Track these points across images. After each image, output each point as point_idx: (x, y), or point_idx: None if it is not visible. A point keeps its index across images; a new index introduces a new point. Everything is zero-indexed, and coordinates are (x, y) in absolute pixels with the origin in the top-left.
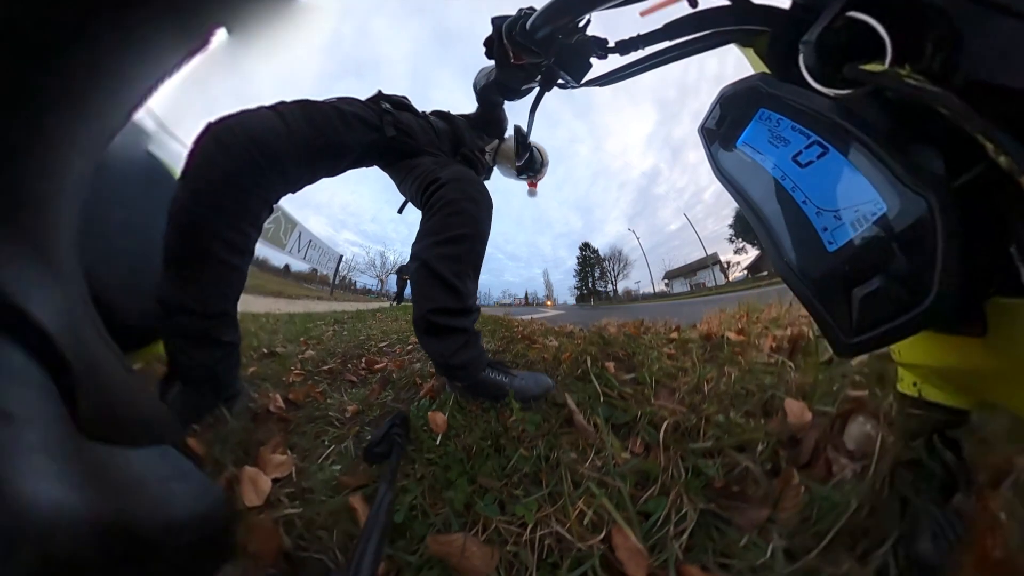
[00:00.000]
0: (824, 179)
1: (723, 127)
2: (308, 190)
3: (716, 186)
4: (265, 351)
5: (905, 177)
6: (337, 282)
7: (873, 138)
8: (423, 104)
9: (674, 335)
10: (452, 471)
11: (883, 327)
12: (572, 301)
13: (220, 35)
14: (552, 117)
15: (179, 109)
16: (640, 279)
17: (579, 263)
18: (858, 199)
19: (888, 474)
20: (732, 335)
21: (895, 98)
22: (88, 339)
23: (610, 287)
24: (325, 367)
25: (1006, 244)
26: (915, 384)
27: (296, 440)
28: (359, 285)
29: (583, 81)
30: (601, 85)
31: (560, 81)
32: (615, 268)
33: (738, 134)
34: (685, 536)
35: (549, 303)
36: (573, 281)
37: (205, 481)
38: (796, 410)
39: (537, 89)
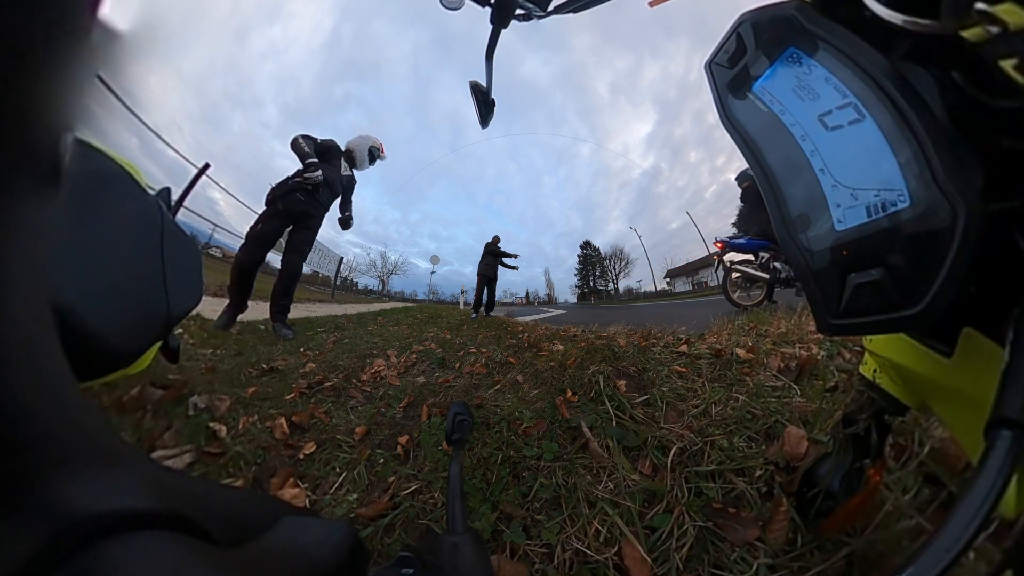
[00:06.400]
0: (850, 150)
1: (738, 65)
2: None
3: (717, 185)
4: (265, 367)
5: (942, 179)
6: (338, 283)
7: (923, 122)
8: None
9: (683, 348)
10: (474, 499)
11: (867, 318)
12: (573, 299)
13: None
14: (555, 116)
15: (175, 116)
16: (641, 278)
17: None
18: (882, 184)
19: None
20: (741, 352)
21: (967, 86)
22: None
23: (611, 285)
24: (328, 383)
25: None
26: (875, 371)
27: (306, 468)
28: (360, 286)
29: (551, 7)
30: (576, 11)
31: (519, 12)
32: (616, 266)
33: (756, 76)
34: (685, 549)
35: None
36: (574, 280)
37: (330, 526)
38: (795, 439)
39: (491, 28)
